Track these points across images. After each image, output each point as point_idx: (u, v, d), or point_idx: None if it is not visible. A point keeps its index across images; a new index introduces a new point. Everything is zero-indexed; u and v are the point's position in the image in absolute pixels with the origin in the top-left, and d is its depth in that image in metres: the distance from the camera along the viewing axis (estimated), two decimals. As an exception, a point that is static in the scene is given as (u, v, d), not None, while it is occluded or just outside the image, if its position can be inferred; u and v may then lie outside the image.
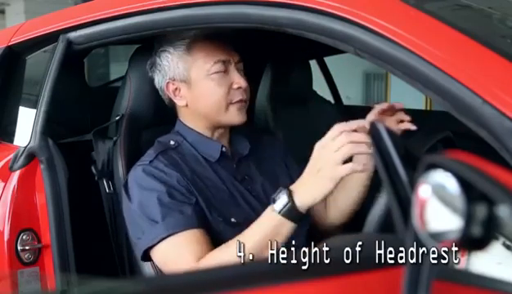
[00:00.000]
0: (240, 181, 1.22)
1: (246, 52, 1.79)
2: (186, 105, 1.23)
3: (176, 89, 1.23)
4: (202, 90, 1.20)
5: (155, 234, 1.08)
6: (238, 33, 1.27)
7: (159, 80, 1.25)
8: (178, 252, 1.07)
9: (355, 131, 0.96)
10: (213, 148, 1.22)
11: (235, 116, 1.20)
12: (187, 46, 1.21)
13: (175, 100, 1.24)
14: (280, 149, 1.39)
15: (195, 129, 1.24)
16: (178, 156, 1.19)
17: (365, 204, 1.22)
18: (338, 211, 1.27)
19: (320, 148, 0.98)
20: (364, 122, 0.96)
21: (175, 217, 1.08)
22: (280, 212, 0.98)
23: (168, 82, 1.24)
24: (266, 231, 1.00)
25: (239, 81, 1.19)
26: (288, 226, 0.99)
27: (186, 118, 1.25)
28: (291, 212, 0.98)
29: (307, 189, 0.98)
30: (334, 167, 0.95)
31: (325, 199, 1.21)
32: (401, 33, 0.78)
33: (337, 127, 0.97)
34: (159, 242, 1.07)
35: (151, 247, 1.09)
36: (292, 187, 1.00)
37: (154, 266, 1.16)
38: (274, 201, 1.00)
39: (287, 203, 0.98)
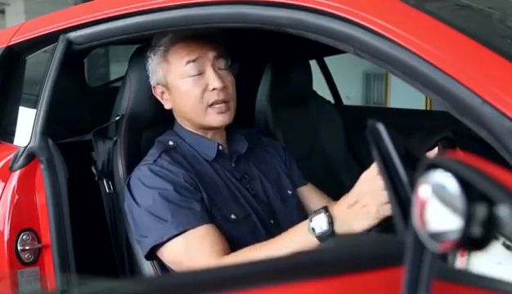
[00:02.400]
0: (239, 180, 1.23)
1: (246, 52, 1.81)
2: (172, 108, 1.25)
3: (162, 92, 1.25)
4: (179, 94, 1.21)
5: (164, 233, 1.07)
6: (222, 30, 1.26)
7: (151, 83, 1.27)
8: (194, 249, 1.07)
9: None
10: (210, 147, 1.23)
11: (214, 119, 1.19)
12: (163, 51, 1.22)
13: (162, 103, 1.26)
14: (280, 149, 1.39)
15: (190, 129, 1.24)
16: (180, 155, 1.20)
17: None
18: None
19: (367, 181, 0.92)
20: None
21: (185, 215, 1.08)
22: (316, 236, 0.95)
23: (154, 86, 1.26)
24: (296, 245, 0.96)
25: (213, 82, 1.17)
26: (316, 243, 0.96)
27: (179, 119, 1.26)
28: (327, 237, 0.95)
29: (348, 221, 0.93)
30: (381, 206, 0.90)
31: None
32: (401, 33, 0.78)
33: None
34: (168, 240, 1.07)
35: (159, 246, 1.09)
36: (333, 212, 0.95)
37: (155, 266, 1.17)
38: (312, 221, 0.96)
39: (327, 231, 0.94)
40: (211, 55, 1.19)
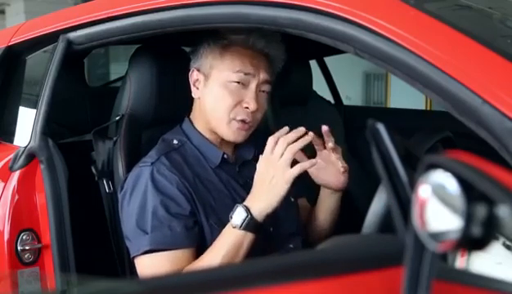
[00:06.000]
0: (242, 185, 1.22)
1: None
2: (199, 98, 1.22)
3: (197, 79, 1.22)
4: (214, 92, 1.19)
5: (140, 245, 1.09)
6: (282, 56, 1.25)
7: (191, 64, 1.24)
8: (159, 271, 1.07)
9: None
10: (215, 154, 1.22)
11: (232, 133, 1.19)
12: (223, 46, 1.19)
13: (192, 89, 1.23)
14: None
15: (201, 131, 1.23)
16: (181, 157, 1.18)
17: (364, 204, 1.22)
18: (319, 227, 1.30)
19: (264, 161, 1.08)
20: (286, 128, 1.08)
21: (162, 233, 1.09)
22: (241, 227, 1.05)
23: (193, 70, 1.23)
24: (229, 247, 1.05)
25: (249, 101, 1.16)
26: (249, 238, 1.05)
27: (196, 114, 1.24)
28: (250, 224, 1.05)
29: (263, 200, 1.06)
30: (284, 172, 1.04)
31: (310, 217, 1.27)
32: (401, 33, 0.78)
33: (272, 139, 1.07)
34: (142, 253, 1.09)
35: (135, 256, 1.11)
36: (247, 203, 1.06)
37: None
38: (231, 218, 1.06)
39: (246, 217, 1.05)
40: (262, 76, 1.18)
